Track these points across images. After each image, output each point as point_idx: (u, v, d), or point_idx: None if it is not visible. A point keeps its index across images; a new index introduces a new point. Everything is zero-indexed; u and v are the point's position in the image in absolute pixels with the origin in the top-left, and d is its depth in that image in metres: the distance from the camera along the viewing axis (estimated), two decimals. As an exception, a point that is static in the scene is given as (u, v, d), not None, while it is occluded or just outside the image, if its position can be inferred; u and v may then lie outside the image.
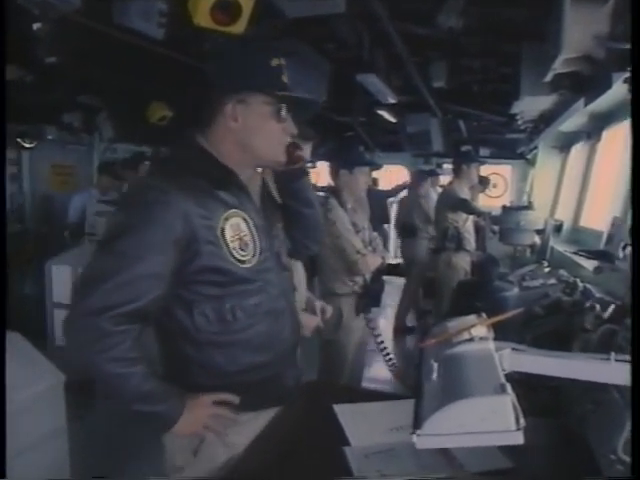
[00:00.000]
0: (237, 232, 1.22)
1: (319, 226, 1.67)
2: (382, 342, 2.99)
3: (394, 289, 6.83)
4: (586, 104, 3.04)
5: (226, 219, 1.21)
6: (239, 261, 1.23)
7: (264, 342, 1.29)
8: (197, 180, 1.20)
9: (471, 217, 4.62)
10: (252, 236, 1.26)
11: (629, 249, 2.25)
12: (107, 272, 1.11)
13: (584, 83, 2.87)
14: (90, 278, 1.14)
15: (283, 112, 1.25)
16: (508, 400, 0.93)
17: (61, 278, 3.97)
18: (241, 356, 1.27)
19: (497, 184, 7.15)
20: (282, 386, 1.39)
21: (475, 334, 1.19)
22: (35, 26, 2.52)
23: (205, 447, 1.29)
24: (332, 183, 2.90)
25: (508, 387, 0.95)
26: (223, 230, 1.20)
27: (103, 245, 1.16)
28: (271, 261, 1.32)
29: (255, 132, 1.26)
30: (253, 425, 1.37)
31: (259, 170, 1.50)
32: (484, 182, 5.68)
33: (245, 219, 1.26)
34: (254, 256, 1.26)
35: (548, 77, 2.86)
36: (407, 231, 6.18)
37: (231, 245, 1.21)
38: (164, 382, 1.20)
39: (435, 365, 1.13)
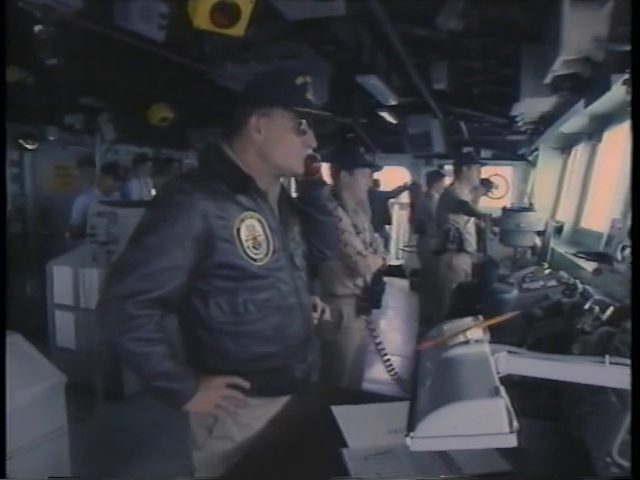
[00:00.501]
0: (252, 232, 1.33)
1: (334, 233, 1.79)
2: (381, 344, 2.98)
3: (395, 290, 6.84)
4: (586, 106, 3.04)
5: (242, 220, 1.32)
6: (252, 259, 1.33)
7: (273, 334, 1.39)
8: (218, 184, 1.32)
9: (472, 219, 4.62)
10: (266, 236, 1.37)
11: (628, 251, 2.25)
12: (135, 263, 1.25)
13: (584, 85, 2.88)
14: (120, 267, 1.28)
15: (304, 126, 1.37)
16: (502, 403, 0.93)
17: (62, 279, 3.98)
18: (251, 345, 1.37)
19: (498, 186, 7.14)
20: (290, 377, 1.48)
21: (471, 337, 1.20)
22: (36, 28, 2.53)
23: (219, 425, 1.40)
24: (332, 184, 2.91)
25: (502, 390, 0.96)
26: (239, 230, 1.31)
27: (134, 239, 1.29)
28: (284, 260, 1.42)
29: (276, 144, 1.37)
30: (264, 408, 1.47)
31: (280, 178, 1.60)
32: (487, 185, 5.67)
33: (260, 221, 1.37)
34: (267, 255, 1.36)
35: (548, 79, 2.86)
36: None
37: (245, 244, 1.32)
38: (182, 363, 1.32)
39: (430, 368, 1.13)
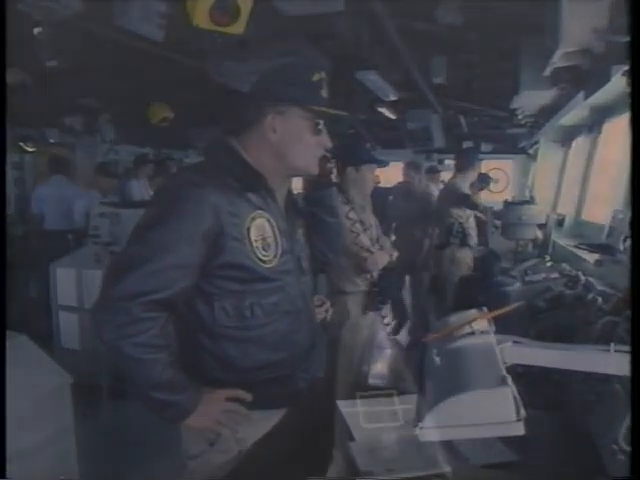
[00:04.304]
0: (261, 232, 1.28)
1: (341, 236, 1.73)
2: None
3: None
4: (586, 97, 3.04)
5: (253, 219, 1.27)
6: (261, 260, 1.27)
7: (279, 341, 1.33)
8: (228, 180, 1.26)
9: (473, 212, 4.62)
10: (275, 238, 1.31)
11: (629, 241, 2.25)
12: (139, 260, 1.16)
13: (583, 77, 2.88)
14: (122, 265, 1.20)
15: (320, 126, 1.33)
16: (509, 392, 0.94)
17: (66, 281, 3.99)
18: (255, 352, 1.30)
19: (499, 179, 7.14)
20: (293, 387, 1.40)
21: (476, 328, 1.21)
22: (36, 30, 2.54)
23: (223, 441, 1.32)
24: (339, 181, 2.90)
25: (509, 379, 0.97)
26: (249, 229, 1.25)
27: (137, 234, 1.23)
28: (291, 263, 1.36)
29: (292, 144, 1.32)
30: (263, 423, 1.38)
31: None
32: (487, 179, 5.66)
33: (269, 221, 1.31)
34: (275, 257, 1.31)
35: (547, 71, 2.86)
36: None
37: (255, 244, 1.26)
38: (183, 374, 1.24)
39: (437, 359, 1.14)
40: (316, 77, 1.32)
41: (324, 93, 1.34)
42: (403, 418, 1.39)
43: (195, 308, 1.28)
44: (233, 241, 1.23)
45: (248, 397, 1.29)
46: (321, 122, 1.33)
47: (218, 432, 1.31)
